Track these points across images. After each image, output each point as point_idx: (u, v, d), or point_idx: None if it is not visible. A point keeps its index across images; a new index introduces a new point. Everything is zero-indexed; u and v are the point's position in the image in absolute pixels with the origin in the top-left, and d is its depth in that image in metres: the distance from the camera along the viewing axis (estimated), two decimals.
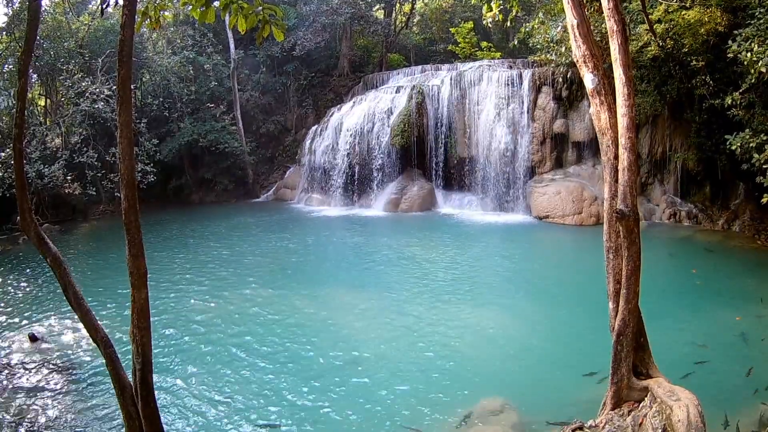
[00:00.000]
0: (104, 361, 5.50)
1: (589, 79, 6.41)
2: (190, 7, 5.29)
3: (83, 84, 24.13)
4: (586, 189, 21.53)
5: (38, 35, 22.68)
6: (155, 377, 5.96)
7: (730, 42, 13.25)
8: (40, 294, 13.79)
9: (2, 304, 13.09)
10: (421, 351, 9.89)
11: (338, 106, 29.06)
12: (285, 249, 18.25)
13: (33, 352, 10.19)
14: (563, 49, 19.29)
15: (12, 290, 14.21)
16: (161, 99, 29.02)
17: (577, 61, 6.57)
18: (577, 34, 6.49)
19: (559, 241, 19.56)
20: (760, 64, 12.08)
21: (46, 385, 8.86)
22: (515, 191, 23.72)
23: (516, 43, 21.29)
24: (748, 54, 12.37)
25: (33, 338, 10.46)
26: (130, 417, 5.40)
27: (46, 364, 9.65)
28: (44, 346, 10.45)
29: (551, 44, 20.45)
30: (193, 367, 9.42)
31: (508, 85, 24.15)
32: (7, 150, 20.20)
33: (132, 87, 5.77)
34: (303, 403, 8.14)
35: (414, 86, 25.83)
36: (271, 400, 8.25)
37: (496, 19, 10.12)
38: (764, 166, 13.12)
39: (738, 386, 8.07)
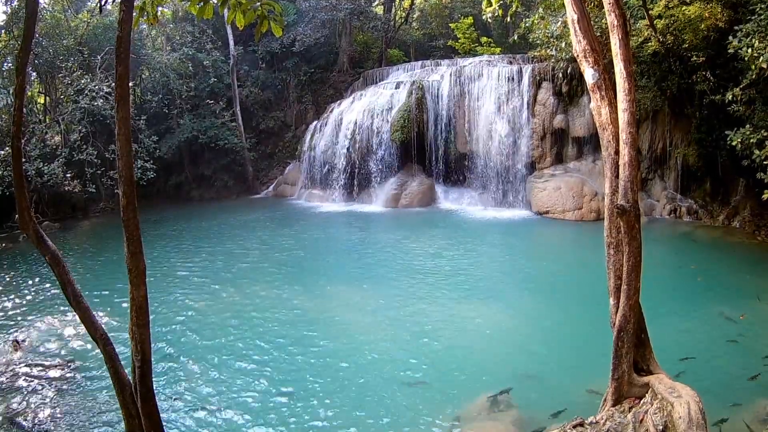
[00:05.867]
0: (103, 358, 5.49)
1: (589, 74, 6.38)
2: (188, 3, 5.26)
3: (82, 81, 24.12)
4: (586, 184, 21.50)
5: (37, 33, 22.66)
6: (155, 375, 5.96)
7: (730, 38, 13.20)
8: (39, 292, 13.78)
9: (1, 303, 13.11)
10: (422, 347, 9.89)
11: (338, 101, 29.04)
12: (285, 245, 18.23)
13: (31, 350, 10.19)
14: (563, 45, 19.22)
15: (11, 288, 14.20)
16: (161, 96, 29.01)
17: (578, 56, 6.54)
18: (577, 29, 6.46)
19: (559, 237, 19.54)
20: (760, 60, 12.03)
21: (45, 384, 8.86)
22: (515, 187, 23.69)
23: (516, 38, 21.16)
24: (749, 50, 12.31)
25: (17, 346, 10.34)
26: (129, 415, 5.39)
27: (45, 362, 9.65)
28: (43, 344, 10.45)
29: (551, 39, 20.38)
30: (192, 364, 9.41)
31: (508, 80, 24.10)
32: (7, 148, 20.18)
33: (131, 84, 5.74)
34: (303, 399, 8.13)
35: (414, 82, 25.79)
36: (270, 397, 8.24)
37: (496, 14, 10.09)
38: (765, 162, 13.07)
39: (738, 383, 8.06)
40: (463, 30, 32.60)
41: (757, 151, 13.22)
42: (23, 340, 10.49)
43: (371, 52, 35.57)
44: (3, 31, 24.10)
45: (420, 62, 30.13)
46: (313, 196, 27.06)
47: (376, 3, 36.98)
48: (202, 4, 5.26)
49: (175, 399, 8.22)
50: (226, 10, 5.30)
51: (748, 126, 13.76)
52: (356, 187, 26.00)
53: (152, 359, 5.35)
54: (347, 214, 23.93)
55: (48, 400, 8.33)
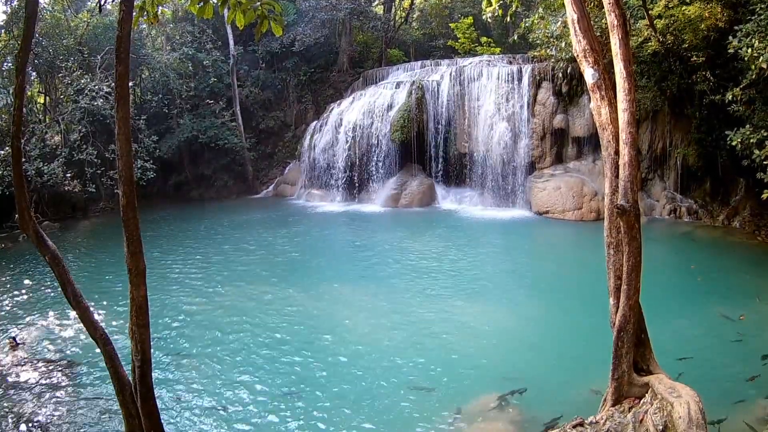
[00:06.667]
0: (103, 358, 5.48)
1: (589, 74, 6.38)
2: (189, 2, 5.27)
3: (82, 81, 24.12)
4: (586, 184, 21.49)
5: (37, 33, 22.67)
6: (154, 375, 5.96)
7: (730, 38, 13.19)
8: (39, 292, 13.77)
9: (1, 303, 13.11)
10: (421, 346, 9.89)
11: (338, 101, 29.03)
12: (285, 245, 18.22)
13: (31, 350, 10.19)
14: (563, 44, 19.21)
15: (11, 288, 14.19)
16: (160, 95, 29.01)
17: (578, 56, 6.53)
18: (577, 28, 6.45)
19: (559, 237, 19.54)
20: (760, 60, 12.02)
21: (44, 383, 8.86)
22: (515, 186, 23.68)
23: (516, 38, 21.18)
24: (749, 50, 12.30)
25: (14, 344, 10.27)
26: (129, 415, 5.39)
27: (44, 361, 9.64)
28: (43, 343, 10.45)
29: (551, 39, 20.37)
30: (192, 364, 9.41)
31: (507, 80, 24.10)
32: (6, 148, 20.18)
33: (131, 84, 5.74)
34: (303, 399, 8.13)
35: (414, 82, 25.79)
36: (270, 397, 8.24)
37: (496, 14, 10.08)
38: (764, 162, 13.06)
39: (738, 383, 8.05)
40: (463, 30, 32.59)
41: (757, 151, 13.21)
42: (21, 342, 10.44)
43: (371, 52, 35.56)
44: (3, 31, 24.09)
45: (420, 62, 30.14)
46: (313, 195, 27.06)
47: (376, 3, 36.97)
48: (202, 3, 5.27)
49: (175, 399, 8.22)
50: (226, 10, 5.31)
51: (748, 126, 13.75)
52: (356, 186, 26.01)
53: (152, 359, 5.35)
54: (347, 213, 23.93)
55: (47, 400, 8.32)
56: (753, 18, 12.98)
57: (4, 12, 25.03)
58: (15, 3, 23.04)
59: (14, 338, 10.43)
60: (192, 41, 30.24)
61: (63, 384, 8.82)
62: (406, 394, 8.21)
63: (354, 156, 25.89)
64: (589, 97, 6.59)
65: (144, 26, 27.97)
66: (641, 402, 5.84)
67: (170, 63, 28.35)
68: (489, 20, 26.52)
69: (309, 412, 7.78)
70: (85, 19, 27.29)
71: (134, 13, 5.48)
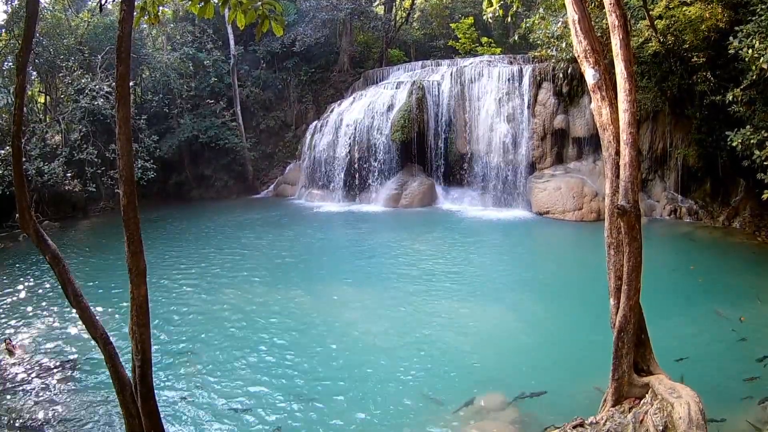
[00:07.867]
0: (103, 358, 5.48)
1: (590, 75, 6.38)
2: (189, 2, 5.27)
3: (83, 81, 24.14)
4: (586, 185, 21.49)
5: (38, 32, 22.66)
6: (155, 374, 5.96)
7: (731, 38, 13.20)
8: (39, 291, 13.77)
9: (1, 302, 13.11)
10: (421, 347, 9.88)
11: (338, 101, 29.05)
12: (285, 246, 18.22)
13: (31, 350, 10.19)
14: (564, 45, 19.23)
15: (11, 288, 14.19)
16: (161, 95, 29.00)
17: (578, 56, 6.53)
18: (578, 29, 6.46)
19: (559, 237, 19.53)
20: (761, 61, 12.03)
21: (45, 383, 8.86)
22: (516, 187, 23.68)
23: (516, 38, 21.22)
24: (750, 50, 12.32)
25: (10, 351, 10.13)
26: (129, 414, 5.39)
27: (44, 361, 9.64)
28: (43, 343, 10.44)
29: (552, 40, 20.37)
30: (193, 364, 9.41)
31: (508, 80, 24.10)
32: (7, 147, 20.19)
33: (132, 83, 5.74)
34: (302, 399, 8.13)
35: (414, 82, 25.80)
36: (270, 397, 8.24)
37: (497, 14, 10.07)
38: (765, 163, 13.06)
39: (738, 384, 8.05)
40: (464, 30, 32.60)
41: (757, 152, 13.21)
42: (16, 344, 10.36)
43: (372, 52, 35.58)
44: (3, 30, 24.10)
45: (420, 62, 30.16)
46: (314, 195, 27.05)
47: (376, 3, 36.97)
48: (203, 3, 5.27)
49: (175, 399, 8.22)
50: (226, 10, 5.31)
51: (748, 126, 13.75)
52: (356, 186, 26.00)
53: (152, 359, 5.35)
54: (347, 213, 23.92)
55: (47, 399, 8.32)
56: (753, 19, 12.99)
57: (5, 12, 25.08)
58: (15, 2, 23.05)
59: (10, 339, 10.37)
60: (193, 41, 30.26)
61: (63, 384, 8.81)
62: (406, 394, 8.20)
63: (354, 156, 25.88)
64: (590, 98, 6.59)
65: (145, 26, 27.96)
66: (641, 402, 5.85)
67: (171, 63, 28.36)
68: (490, 20, 26.48)
69: (308, 412, 7.79)
70: (86, 19, 27.31)
71: (135, 13, 5.49)
